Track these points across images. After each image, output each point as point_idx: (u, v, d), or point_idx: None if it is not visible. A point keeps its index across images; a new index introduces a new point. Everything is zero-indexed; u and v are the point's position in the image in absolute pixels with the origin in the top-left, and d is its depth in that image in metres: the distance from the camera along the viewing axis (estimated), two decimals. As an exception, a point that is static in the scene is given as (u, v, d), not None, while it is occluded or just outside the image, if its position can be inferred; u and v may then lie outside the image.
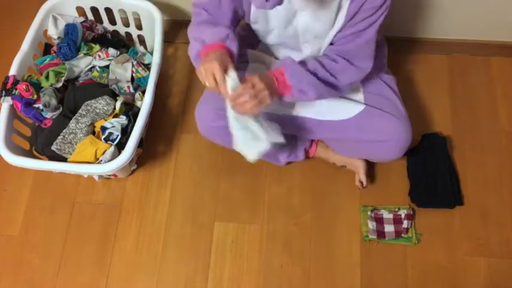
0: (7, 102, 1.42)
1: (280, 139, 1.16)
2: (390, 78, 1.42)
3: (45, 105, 1.43)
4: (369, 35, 1.11)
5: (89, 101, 1.44)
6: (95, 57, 1.53)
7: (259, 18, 1.19)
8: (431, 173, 1.50)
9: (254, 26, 1.23)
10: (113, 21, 1.64)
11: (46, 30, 1.56)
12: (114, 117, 1.44)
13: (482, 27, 1.62)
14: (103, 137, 1.41)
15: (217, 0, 1.16)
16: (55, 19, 1.56)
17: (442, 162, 1.52)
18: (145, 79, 1.51)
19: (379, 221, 1.46)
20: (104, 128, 1.41)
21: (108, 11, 1.60)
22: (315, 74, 1.16)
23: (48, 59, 1.52)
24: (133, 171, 1.57)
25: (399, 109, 1.32)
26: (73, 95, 1.46)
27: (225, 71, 1.07)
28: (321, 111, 1.32)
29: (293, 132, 1.42)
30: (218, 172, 1.55)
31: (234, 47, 1.15)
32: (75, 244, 1.48)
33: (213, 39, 1.14)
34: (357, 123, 1.29)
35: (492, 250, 1.44)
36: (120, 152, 1.38)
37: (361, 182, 1.47)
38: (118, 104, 1.43)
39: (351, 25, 1.10)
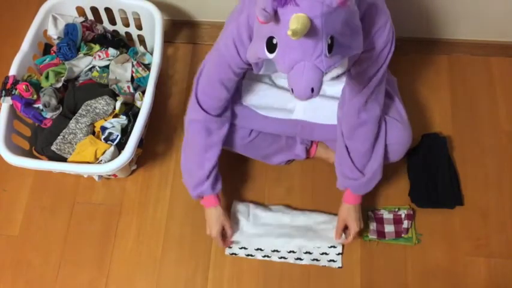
0: (7, 102, 1.41)
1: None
2: (391, 80, 1.42)
3: (45, 105, 1.43)
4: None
5: (88, 101, 1.44)
6: (94, 57, 1.53)
7: (268, 69, 1.15)
8: (431, 173, 1.50)
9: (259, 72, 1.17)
10: (112, 21, 1.64)
11: (46, 30, 1.56)
12: (114, 117, 1.44)
13: (482, 27, 1.62)
14: (103, 137, 1.41)
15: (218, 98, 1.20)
16: (55, 19, 1.56)
17: (442, 162, 1.52)
18: (145, 79, 1.51)
19: (379, 221, 1.46)
20: (103, 128, 1.41)
21: (108, 11, 1.60)
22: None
23: (48, 59, 1.51)
24: (133, 171, 1.57)
25: (400, 112, 1.32)
26: (73, 95, 1.46)
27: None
28: (324, 115, 1.32)
29: (295, 135, 1.42)
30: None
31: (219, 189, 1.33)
32: (75, 244, 1.48)
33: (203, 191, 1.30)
34: None
35: (492, 250, 1.44)
36: (120, 152, 1.38)
37: (361, 182, 1.47)
38: (118, 104, 1.43)
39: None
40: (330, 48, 0.83)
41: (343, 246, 1.42)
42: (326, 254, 1.41)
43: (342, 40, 0.86)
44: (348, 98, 1.18)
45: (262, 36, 0.87)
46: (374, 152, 1.26)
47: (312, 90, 0.84)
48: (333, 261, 1.41)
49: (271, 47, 0.86)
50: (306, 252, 1.42)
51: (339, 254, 1.41)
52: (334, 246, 1.41)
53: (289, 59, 0.83)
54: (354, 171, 1.27)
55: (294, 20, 0.77)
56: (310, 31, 0.79)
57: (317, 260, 1.41)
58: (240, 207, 1.47)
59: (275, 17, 0.81)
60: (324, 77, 0.85)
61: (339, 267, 1.41)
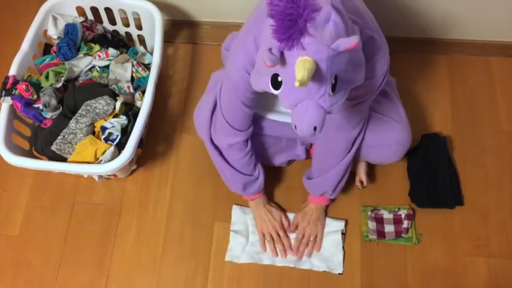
0: (7, 102, 1.41)
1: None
2: (390, 81, 1.42)
3: (45, 105, 1.43)
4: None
5: (88, 101, 1.44)
6: (94, 57, 1.53)
7: None
8: (431, 173, 1.50)
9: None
10: (113, 21, 1.64)
11: (46, 30, 1.56)
12: (114, 117, 1.44)
13: (482, 27, 1.62)
14: (103, 137, 1.41)
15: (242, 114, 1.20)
16: (55, 19, 1.56)
17: (442, 162, 1.52)
18: (145, 79, 1.51)
19: (379, 221, 1.46)
20: (103, 128, 1.41)
21: (108, 11, 1.60)
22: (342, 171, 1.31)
23: (48, 59, 1.51)
24: (133, 171, 1.57)
25: (399, 113, 1.33)
26: (73, 95, 1.46)
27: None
28: None
29: (295, 137, 1.42)
30: (218, 172, 1.55)
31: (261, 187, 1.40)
32: (75, 244, 1.48)
33: (248, 191, 1.38)
34: None
35: (492, 250, 1.44)
36: (120, 152, 1.38)
37: (361, 182, 1.47)
38: (118, 104, 1.43)
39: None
40: (334, 87, 0.84)
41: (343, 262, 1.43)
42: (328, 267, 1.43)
43: (345, 76, 0.86)
44: (333, 111, 1.20)
45: (267, 71, 0.87)
46: (330, 169, 1.30)
47: (315, 128, 0.85)
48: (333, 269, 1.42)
49: (276, 84, 0.86)
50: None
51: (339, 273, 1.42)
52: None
53: (293, 97, 0.84)
54: (310, 170, 1.38)
55: (300, 64, 0.77)
56: (315, 74, 0.80)
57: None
58: (240, 219, 1.48)
59: (281, 58, 0.81)
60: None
61: (339, 274, 1.41)
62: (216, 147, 1.33)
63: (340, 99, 0.87)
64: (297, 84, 0.75)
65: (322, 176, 1.34)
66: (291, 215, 1.48)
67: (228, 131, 1.24)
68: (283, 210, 1.49)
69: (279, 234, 1.44)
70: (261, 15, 0.95)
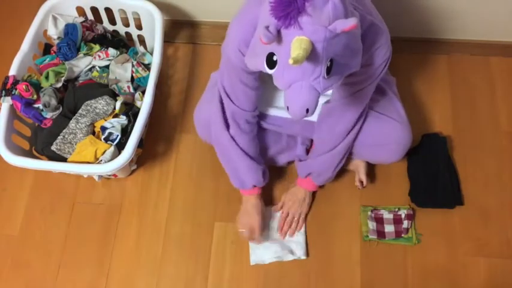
0: (7, 102, 1.41)
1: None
2: (390, 80, 1.42)
3: (45, 105, 1.43)
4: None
5: (88, 101, 1.44)
6: (94, 57, 1.53)
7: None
8: (431, 173, 1.50)
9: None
10: (113, 21, 1.64)
11: (46, 30, 1.56)
12: (114, 117, 1.44)
13: (482, 27, 1.62)
14: (103, 137, 1.41)
15: (244, 94, 1.19)
16: (55, 19, 1.56)
17: (442, 162, 1.52)
18: (145, 79, 1.51)
19: (379, 221, 1.46)
20: (103, 128, 1.41)
21: (108, 11, 1.60)
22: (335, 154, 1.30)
23: (48, 59, 1.51)
24: (133, 171, 1.57)
25: (399, 112, 1.32)
26: (73, 95, 1.46)
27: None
28: None
29: (295, 134, 1.42)
30: (218, 172, 1.54)
31: (264, 182, 1.39)
32: (75, 244, 1.48)
33: (250, 181, 1.36)
34: None
35: (492, 250, 1.44)
36: (120, 152, 1.38)
37: (361, 182, 1.47)
38: (118, 104, 1.43)
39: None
40: (329, 70, 0.84)
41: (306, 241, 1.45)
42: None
43: (341, 61, 0.86)
44: (334, 98, 1.20)
45: (263, 50, 0.87)
46: (322, 154, 1.31)
47: (307, 110, 0.85)
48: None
49: (271, 63, 0.86)
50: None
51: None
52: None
53: (288, 77, 0.84)
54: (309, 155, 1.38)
55: (297, 43, 0.77)
56: (311, 55, 0.79)
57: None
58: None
59: (278, 36, 0.81)
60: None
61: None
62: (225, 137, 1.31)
63: (334, 83, 0.87)
64: (291, 61, 0.75)
65: (312, 158, 1.35)
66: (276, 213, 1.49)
67: (231, 109, 1.23)
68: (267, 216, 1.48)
69: (255, 234, 1.41)
70: None
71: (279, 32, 0.81)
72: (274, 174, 1.54)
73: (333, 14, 0.78)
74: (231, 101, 1.21)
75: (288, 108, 0.86)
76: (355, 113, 1.22)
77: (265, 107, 1.35)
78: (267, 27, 0.79)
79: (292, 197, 1.45)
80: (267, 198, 1.51)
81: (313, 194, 1.49)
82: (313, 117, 1.33)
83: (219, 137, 1.30)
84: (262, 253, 1.43)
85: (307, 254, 1.43)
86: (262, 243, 1.43)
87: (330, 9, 0.78)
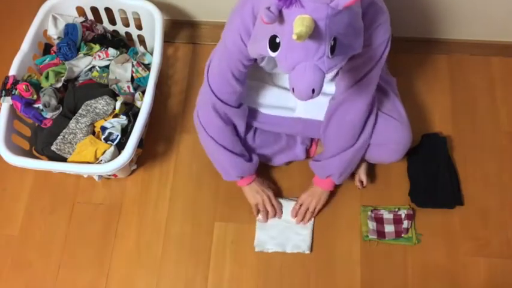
0: (7, 102, 1.41)
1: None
2: (390, 80, 1.42)
3: (45, 105, 1.43)
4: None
5: (88, 101, 1.44)
6: (94, 57, 1.53)
7: (270, 63, 1.17)
8: (431, 173, 1.50)
9: (261, 65, 1.19)
10: (113, 21, 1.64)
11: (46, 30, 1.56)
12: (114, 117, 1.44)
13: (482, 27, 1.62)
14: (103, 137, 1.41)
15: (228, 85, 1.19)
16: (55, 19, 1.56)
17: (442, 162, 1.52)
18: (145, 79, 1.51)
19: (379, 221, 1.46)
20: (103, 128, 1.41)
21: (108, 11, 1.60)
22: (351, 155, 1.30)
23: (48, 59, 1.51)
24: (133, 171, 1.57)
25: (400, 112, 1.32)
26: (73, 95, 1.46)
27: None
28: (325, 113, 1.32)
29: (296, 134, 1.42)
30: (218, 172, 1.55)
31: (253, 170, 1.38)
32: (75, 244, 1.48)
33: (237, 172, 1.36)
34: None
35: (492, 250, 1.44)
36: (120, 152, 1.38)
37: (361, 182, 1.47)
38: (118, 104, 1.43)
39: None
40: (333, 49, 0.83)
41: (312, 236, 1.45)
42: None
43: (345, 41, 0.85)
44: (340, 91, 1.19)
45: (265, 34, 0.87)
46: (342, 152, 1.29)
47: (313, 91, 0.84)
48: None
49: (274, 45, 0.85)
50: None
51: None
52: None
53: (292, 59, 0.83)
54: (323, 155, 1.35)
55: (299, 21, 0.77)
56: (314, 33, 0.79)
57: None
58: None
59: (279, 17, 0.80)
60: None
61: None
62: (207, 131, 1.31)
63: (338, 64, 0.86)
64: (294, 37, 0.74)
65: (331, 158, 1.32)
66: (287, 202, 1.48)
67: (209, 97, 1.22)
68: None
69: (270, 201, 1.43)
70: None
71: (280, 12, 0.80)
72: (273, 174, 1.54)
73: None
74: (215, 95, 1.21)
75: (293, 90, 0.85)
76: (364, 102, 1.20)
77: (267, 108, 1.35)
78: (268, 8, 0.79)
79: (309, 196, 1.44)
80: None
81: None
82: (317, 116, 1.33)
83: (200, 132, 1.31)
84: (266, 241, 1.43)
85: (311, 249, 1.43)
86: (268, 230, 1.44)
87: None
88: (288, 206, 1.47)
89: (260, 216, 1.45)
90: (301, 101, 0.89)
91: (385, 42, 1.07)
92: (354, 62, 1.08)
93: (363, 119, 1.24)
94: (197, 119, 1.32)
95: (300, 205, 1.44)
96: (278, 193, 1.51)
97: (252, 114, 1.35)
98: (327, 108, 1.27)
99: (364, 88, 1.16)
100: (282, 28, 0.82)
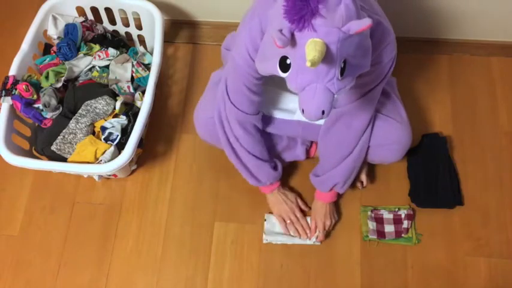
0: (7, 102, 1.41)
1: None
2: (391, 81, 1.42)
3: (45, 105, 1.43)
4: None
5: (88, 101, 1.44)
6: (94, 57, 1.53)
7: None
8: (431, 173, 1.50)
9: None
10: (113, 21, 1.64)
11: (46, 30, 1.56)
12: (114, 117, 1.44)
13: (482, 27, 1.62)
14: (103, 137, 1.41)
15: (246, 99, 1.19)
16: (55, 19, 1.56)
17: (442, 162, 1.52)
18: (145, 79, 1.51)
19: (379, 221, 1.46)
20: (103, 128, 1.41)
21: (108, 11, 1.60)
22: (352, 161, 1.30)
23: (48, 59, 1.51)
24: (133, 171, 1.57)
25: (400, 112, 1.32)
26: (73, 95, 1.46)
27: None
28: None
29: (296, 136, 1.42)
30: (218, 172, 1.55)
31: (278, 176, 1.40)
32: (75, 244, 1.48)
33: (265, 179, 1.37)
34: None
35: (492, 250, 1.44)
36: (120, 152, 1.38)
37: (361, 182, 1.47)
38: (118, 104, 1.43)
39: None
40: (342, 71, 0.84)
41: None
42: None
43: (354, 62, 0.86)
44: (344, 103, 1.19)
45: (274, 53, 0.87)
46: (342, 161, 1.29)
47: (323, 112, 0.84)
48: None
49: (284, 66, 0.85)
50: None
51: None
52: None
53: (302, 80, 0.83)
54: (322, 170, 1.36)
55: (311, 45, 0.77)
56: (325, 56, 0.79)
57: None
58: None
59: (291, 39, 0.81)
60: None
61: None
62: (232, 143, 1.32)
63: (347, 85, 0.87)
64: (308, 64, 0.75)
65: (333, 170, 1.32)
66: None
67: (234, 113, 1.23)
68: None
69: (296, 216, 1.44)
70: None
71: (292, 35, 0.80)
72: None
73: (346, 15, 0.79)
74: (234, 105, 1.21)
75: (303, 111, 0.86)
76: (367, 115, 1.22)
77: (267, 109, 1.35)
78: (280, 31, 0.79)
79: (318, 216, 1.43)
80: (262, 197, 1.50)
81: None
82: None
83: (225, 140, 1.30)
84: (275, 236, 1.45)
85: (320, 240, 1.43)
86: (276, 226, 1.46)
87: (342, 11, 0.78)
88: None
89: (288, 229, 1.45)
90: (310, 121, 0.88)
91: (392, 60, 1.08)
92: (362, 80, 1.09)
93: (364, 129, 1.25)
94: (230, 132, 1.30)
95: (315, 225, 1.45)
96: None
97: None
98: (327, 118, 1.27)
99: (368, 102, 1.18)
100: (294, 50, 0.82)
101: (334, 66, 0.82)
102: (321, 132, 1.30)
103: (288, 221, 1.44)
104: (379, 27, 1.00)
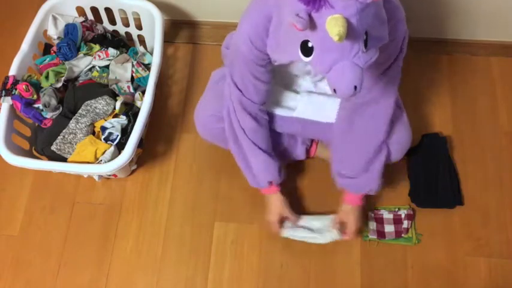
0: (7, 102, 1.42)
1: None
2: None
3: (45, 105, 1.43)
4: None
5: (88, 101, 1.44)
6: (94, 57, 1.53)
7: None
8: (431, 173, 1.50)
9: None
10: (113, 21, 1.65)
11: (46, 30, 1.56)
12: (114, 117, 1.44)
13: (482, 27, 1.62)
14: (103, 137, 1.41)
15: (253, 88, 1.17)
16: (55, 19, 1.56)
17: (442, 162, 1.52)
18: (145, 79, 1.51)
19: (379, 221, 1.46)
20: (103, 128, 1.41)
21: (108, 11, 1.60)
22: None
23: (48, 59, 1.52)
24: (133, 171, 1.57)
25: (400, 112, 1.32)
26: (73, 95, 1.46)
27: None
28: (325, 114, 1.32)
29: (296, 134, 1.42)
30: (218, 172, 1.55)
31: (280, 179, 1.35)
32: (75, 244, 1.48)
33: (266, 179, 1.32)
34: None
35: (492, 250, 1.44)
36: (120, 152, 1.38)
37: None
38: (118, 104, 1.43)
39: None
40: (366, 43, 0.83)
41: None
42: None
43: (374, 32, 0.85)
44: (362, 93, 1.17)
45: (293, 40, 0.86)
46: (375, 159, 1.26)
47: (355, 88, 0.83)
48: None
49: (306, 50, 0.85)
50: None
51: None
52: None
53: (328, 60, 0.83)
54: (352, 169, 1.28)
55: (332, 22, 0.76)
56: (348, 31, 0.78)
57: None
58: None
59: (310, 21, 0.80)
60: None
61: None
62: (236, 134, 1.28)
63: (373, 57, 0.86)
64: (336, 39, 0.74)
65: (367, 174, 1.27)
66: (313, 220, 1.44)
67: (242, 100, 1.21)
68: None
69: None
70: None
71: (309, 16, 0.80)
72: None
73: None
74: (243, 94, 1.19)
75: (334, 90, 0.85)
76: (391, 99, 1.19)
77: (267, 106, 1.35)
78: (297, 15, 0.78)
79: (350, 216, 1.37)
80: (262, 198, 1.51)
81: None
82: (316, 117, 1.33)
83: (231, 133, 1.28)
84: (295, 231, 1.42)
85: (338, 234, 1.39)
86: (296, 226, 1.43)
87: None
88: (315, 220, 1.44)
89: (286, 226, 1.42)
90: (343, 98, 0.85)
91: (403, 37, 1.07)
92: (380, 56, 1.08)
93: (389, 118, 1.22)
94: (237, 125, 1.27)
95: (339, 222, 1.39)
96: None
97: None
98: (343, 113, 1.25)
99: (388, 84, 1.15)
100: (314, 32, 0.81)
101: (358, 40, 0.81)
102: (342, 127, 1.26)
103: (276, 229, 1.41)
104: (386, 4, 0.99)
